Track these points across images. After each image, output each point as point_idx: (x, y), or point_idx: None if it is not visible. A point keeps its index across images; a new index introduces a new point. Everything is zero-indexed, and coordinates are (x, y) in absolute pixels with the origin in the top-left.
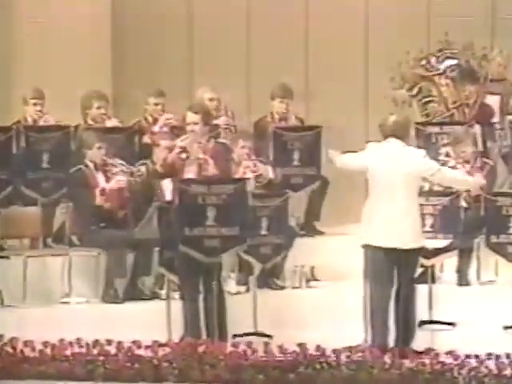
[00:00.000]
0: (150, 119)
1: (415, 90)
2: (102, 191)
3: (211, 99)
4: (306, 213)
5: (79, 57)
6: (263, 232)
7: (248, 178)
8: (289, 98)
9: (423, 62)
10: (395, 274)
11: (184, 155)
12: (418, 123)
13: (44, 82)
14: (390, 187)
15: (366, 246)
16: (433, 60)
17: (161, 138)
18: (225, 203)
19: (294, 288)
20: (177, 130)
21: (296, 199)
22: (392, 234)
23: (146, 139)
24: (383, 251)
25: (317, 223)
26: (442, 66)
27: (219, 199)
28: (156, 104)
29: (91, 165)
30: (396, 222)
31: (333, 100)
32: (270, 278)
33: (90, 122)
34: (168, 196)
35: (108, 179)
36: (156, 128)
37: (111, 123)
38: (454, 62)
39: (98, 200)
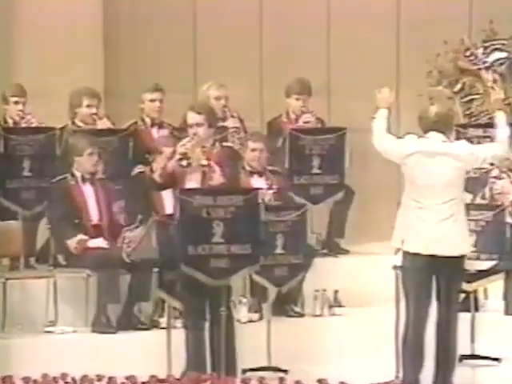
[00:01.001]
0: (148, 120)
1: (458, 87)
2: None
3: (218, 97)
4: (327, 228)
5: (70, 51)
6: (278, 251)
7: (260, 188)
8: (307, 95)
9: (467, 54)
10: (434, 288)
11: (185, 162)
12: (458, 125)
13: (31, 79)
14: (431, 184)
15: (402, 253)
16: (479, 52)
17: (163, 143)
18: (234, 217)
19: (314, 316)
20: (178, 133)
21: (316, 212)
22: (432, 238)
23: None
24: (421, 259)
25: (340, 240)
26: (490, 59)
27: (227, 212)
28: (152, 100)
29: (78, 174)
30: (437, 224)
31: (358, 97)
32: (287, 304)
33: (78, 123)
34: (168, 209)
35: (98, 195)
36: (154, 132)
37: (102, 124)
38: (504, 54)
39: (86, 217)
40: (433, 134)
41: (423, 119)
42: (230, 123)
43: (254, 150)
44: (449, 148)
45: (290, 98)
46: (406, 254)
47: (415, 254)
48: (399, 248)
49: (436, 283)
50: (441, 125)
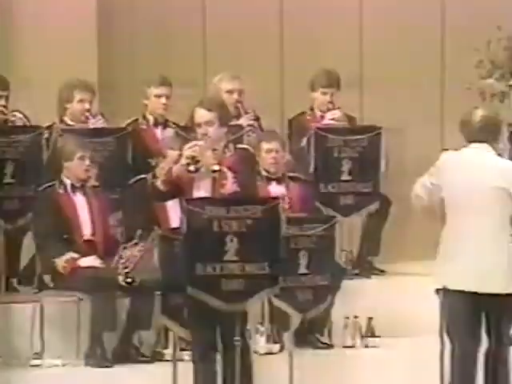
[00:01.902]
0: (151, 119)
1: None
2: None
3: (230, 91)
4: (359, 245)
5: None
6: (302, 270)
7: (283, 197)
8: (335, 89)
9: None
10: (482, 328)
11: (193, 167)
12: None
13: (23, 72)
14: (474, 210)
15: (443, 290)
16: None
17: (167, 145)
18: (250, 231)
19: (344, 347)
20: (185, 133)
21: (346, 226)
22: (476, 273)
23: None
24: (465, 297)
25: (375, 259)
26: None
27: (242, 226)
28: (158, 96)
29: (68, 182)
30: (482, 256)
31: (395, 92)
32: (312, 334)
33: (68, 120)
34: (173, 222)
35: (91, 206)
36: (158, 132)
37: (96, 123)
38: None
39: (77, 232)
40: (477, 146)
41: (466, 125)
42: (245, 121)
43: (269, 150)
44: (495, 163)
45: (316, 91)
46: (445, 290)
47: (455, 292)
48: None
49: (485, 318)
50: (486, 133)
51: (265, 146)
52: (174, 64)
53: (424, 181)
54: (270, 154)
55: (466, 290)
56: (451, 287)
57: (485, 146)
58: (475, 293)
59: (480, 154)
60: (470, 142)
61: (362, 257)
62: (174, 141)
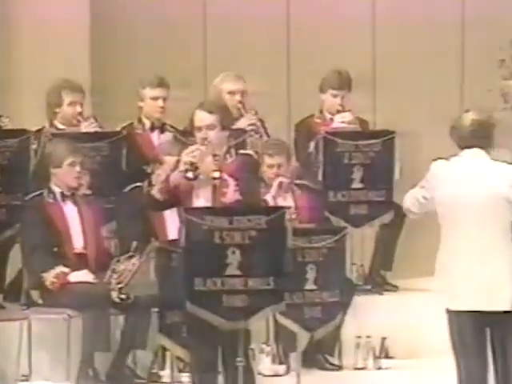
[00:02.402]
0: (147, 122)
1: None
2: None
3: (233, 92)
4: (372, 258)
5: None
6: (310, 286)
7: (288, 207)
8: (346, 90)
9: None
10: (488, 348)
11: (192, 174)
12: None
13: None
14: (472, 222)
15: (446, 310)
16: None
17: (165, 150)
18: (253, 243)
19: (355, 369)
20: (183, 138)
21: (358, 238)
22: (476, 290)
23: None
24: (467, 316)
25: (388, 274)
26: None
27: (245, 238)
28: (154, 98)
29: (57, 190)
30: (483, 271)
31: (410, 93)
32: (321, 354)
33: (58, 124)
34: (171, 233)
35: (83, 216)
36: (155, 137)
37: (88, 127)
38: None
39: (67, 244)
40: (470, 152)
41: (456, 130)
42: (246, 121)
43: (271, 166)
44: (491, 169)
45: (325, 93)
46: (448, 310)
47: (458, 312)
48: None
49: (490, 337)
50: (479, 138)
51: (267, 160)
52: (172, 64)
53: (415, 194)
54: (271, 170)
55: (468, 309)
56: (452, 308)
57: (478, 151)
58: (478, 311)
59: (474, 160)
60: (462, 148)
61: (375, 271)
62: (171, 146)
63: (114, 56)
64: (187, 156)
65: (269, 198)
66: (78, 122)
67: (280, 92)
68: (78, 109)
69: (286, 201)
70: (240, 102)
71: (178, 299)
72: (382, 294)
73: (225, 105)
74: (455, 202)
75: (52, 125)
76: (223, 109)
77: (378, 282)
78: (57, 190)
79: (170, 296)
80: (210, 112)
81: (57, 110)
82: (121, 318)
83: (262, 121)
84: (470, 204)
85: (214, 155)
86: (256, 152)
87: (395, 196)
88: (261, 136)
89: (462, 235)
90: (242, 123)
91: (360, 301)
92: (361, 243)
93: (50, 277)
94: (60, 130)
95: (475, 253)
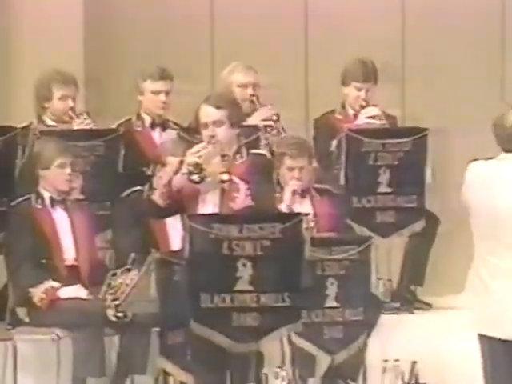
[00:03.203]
0: (148, 119)
1: None
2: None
3: (244, 85)
4: (401, 272)
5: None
6: (330, 303)
7: (306, 214)
8: (372, 83)
9: None
10: None
11: (197, 177)
12: None
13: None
14: (508, 237)
15: (478, 334)
16: None
17: (167, 150)
18: (267, 255)
19: None
20: (188, 136)
21: (385, 249)
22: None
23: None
24: (500, 343)
25: (419, 290)
26: None
27: (257, 248)
28: (156, 92)
29: (46, 195)
30: None
31: (444, 86)
32: (343, 380)
33: (48, 121)
34: (174, 243)
35: (74, 223)
36: (156, 135)
37: (81, 123)
38: None
39: (57, 255)
40: (509, 156)
41: (499, 129)
42: (259, 116)
43: (291, 169)
44: None
45: (348, 86)
46: (480, 335)
47: (491, 338)
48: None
49: None
50: None
51: (288, 162)
52: (175, 53)
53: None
54: (291, 173)
55: (500, 337)
56: (483, 333)
57: None
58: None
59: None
60: (505, 150)
61: (404, 287)
62: (174, 145)
63: (111, 45)
64: (192, 156)
65: (283, 207)
66: (70, 118)
67: (297, 85)
68: (70, 103)
69: (304, 207)
70: (252, 95)
71: (181, 317)
72: (412, 313)
73: (234, 99)
74: (492, 211)
75: (41, 121)
76: (232, 103)
77: (407, 298)
78: (46, 194)
79: (172, 314)
80: (218, 107)
81: (46, 105)
82: (117, 339)
83: (277, 116)
84: (509, 215)
85: (223, 155)
86: (271, 152)
87: (427, 202)
88: (278, 132)
89: (497, 250)
90: (255, 118)
91: (387, 320)
92: (388, 255)
93: (37, 292)
94: (50, 126)
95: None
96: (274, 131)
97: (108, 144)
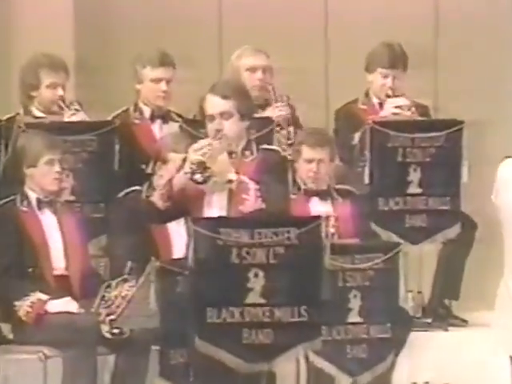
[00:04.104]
0: (147, 110)
1: None
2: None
3: (253, 68)
4: (433, 284)
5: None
6: (353, 318)
7: (326, 217)
8: (400, 69)
9: None
10: None
11: (201, 176)
12: None
13: None
14: None
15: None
16: None
17: (168, 145)
18: (281, 264)
19: None
20: (192, 129)
21: (415, 258)
22: None
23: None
24: None
25: (454, 304)
26: None
27: (270, 256)
28: (155, 80)
29: (33, 196)
30: None
31: (481, 73)
32: None
33: (35, 111)
34: (176, 251)
35: (64, 228)
36: (156, 128)
37: (73, 115)
38: None
39: (45, 264)
40: None
41: None
42: (275, 111)
43: (310, 160)
44: None
45: (374, 72)
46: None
47: None
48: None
49: None
50: None
51: (306, 152)
52: (177, 36)
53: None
54: (310, 165)
55: None
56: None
57: None
58: None
59: None
60: None
61: (437, 300)
62: (177, 139)
63: (105, 26)
64: (195, 153)
65: None
66: (60, 108)
67: (316, 72)
68: (60, 92)
69: (324, 210)
70: (261, 80)
71: (184, 334)
72: (446, 330)
73: (244, 87)
74: None
75: (27, 112)
76: (242, 92)
77: (440, 314)
78: (32, 195)
79: (174, 330)
80: (225, 97)
81: (33, 94)
82: (111, 358)
83: (292, 108)
84: None
85: (230, 152)
86: (290, 144)
87: (463, 204)
88: (288, 136)
89: None
90: (269, 113)
91: (417, 338)
92: (419, 264)
93: (23, 306)
94: (37, 118)
95: None
96: (284, 132)
97: (102, 138)
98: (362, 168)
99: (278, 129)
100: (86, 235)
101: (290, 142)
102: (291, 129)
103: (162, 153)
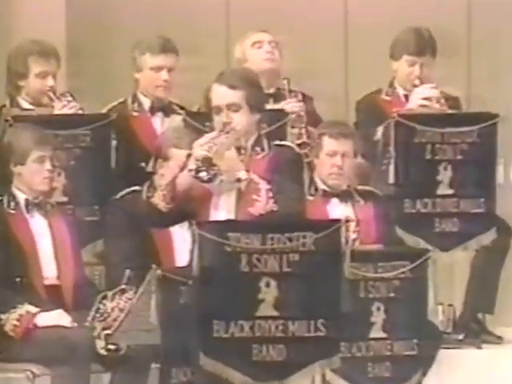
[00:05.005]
0: (147, 102)
1: None
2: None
3: (260, 42)
4: (466, 295)
5: None
6: (376, 333)
7: (346, 221)
8: (429, 56)
9: None
10: None
11: (206, 175)
12: None
13: None
14: None
15: None
16: None
17: (170, 141)
18: (296, 272)
19: None
20: (196, 123)
21: (445, 266)
22: None
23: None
24: None
25: (488, 318)
26: None
27: (284, 263)
28: (156, 68)
29: (21, 197)
30: None
31: None
32: None
33: (23, 103)
34: (179, 258)
35: (56, 233)
36: (157, 121)
37: (64, 107)
38: None
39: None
40: None
41: None
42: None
43: (333, 153)
44: None
45: (399, 60)
46: None
47: None
48: None
49: None
50: None
51: (328, 144)
52: (181, 22)
53: None
54: (333, 159)
55: None
56: None
57: None
58: None
59: None
60: None
61: (469, 314)
62: (179, 134)
63: (99, 9)
64: (200, 149)
65: None
66: (50, 99)
67: (334, 59)
68: (50, 82)
69: (343, 212)
70: (269, 53)
71: (188, 350)
72: (479, 348)
73: (254, 76)
74: None
75: (14, 103)
76: (252, 82)
77: (473, 329)
78: (20, 196)
79: (176, 346)
80: (233, 86)
81: (21, 83)
82: (106, 377)
83: (306, 98)
84: None
85: (239, 148)
86: (302, 144)
87: (498, 207)
88: (299, 133)
89: None
90: (286, 105)
91: (448, 355)
92: (449, 274)
93: (10, 319)
94: (25, 110)
95: None
96: (295, 130)
97: (97, 133)
98: (385, 166)
99: (296, 123)
100: (80, 240)
101: (300, 141)
102: (303, 127)
103: (163, 149)
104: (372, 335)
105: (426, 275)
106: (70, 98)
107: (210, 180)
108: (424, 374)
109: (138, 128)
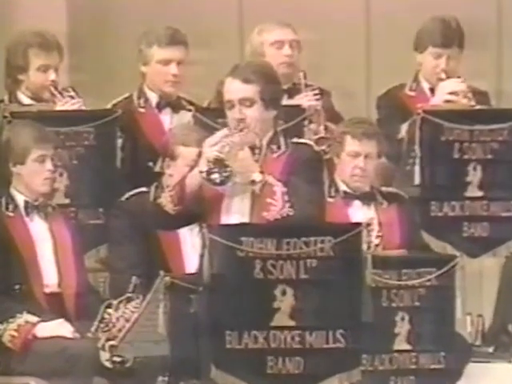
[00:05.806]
0: (154, 97)
1: None
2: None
3: (279, 42)
4: (496, 305)
5: None
6: (400, 345)
7: (367, 225)
8: (456, 48)
9: None
10: None
11: (217, 176)
12: None
13: None
14: None
15: None
16: None
17: (179, 139)
18: (313, 279)
19: None
20: (207, 119)
21: (475, 273)
22: None
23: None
24: None
25: None
26: None
27: (301, 270)
28: (163, 62)
29: (20, 199)
30: None
31: None
32: None
33: (23, 98)
34: (189, 264)
35: (57, 237)
36: (165, 118)
37: (66, 103)
38: None
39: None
40: None
41: None
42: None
43: (355, 154)
44: None
45: (424, 52)
46: None
47: None
48: None
49: None
50: None
51: (351, 144)
52: (190, 11)
53: None
54: (355, 160)
55: None
56: None
57: None
58: None
59: None
60: None
61: (500, 326)
62: (186, 130)
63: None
64: (212, 148)
65: None
66: (52, 94)
67: (354, 51)
68: (52, 76)
69: (365, 216)
70: (288, 57)
71: (198, 363)
72: (510, 362)
73: (270, 70)
74: None
75: (13, 99)
76: (267, 75)
77: (504, 341)
78: (19, 197)
79: (186, 358)
80: (247, 80)
81: (20, 77)
82: None
83: (324, 94)
84: None
85: (253, 147)
86: (320, 139)
87: None
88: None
89: None
90: (303, 101)
91: (477, 369)
92: (479, 282)
93: (8, 330)
94: (25, 106)
95: None
96: (312, 126)
97: (101, 130)
98: (410, 166)
99: (313, 118)
100: (83, 245)
101: (317, 136)
102: (321, 122)
103: (170, 146)
104: (396, 347)
105: (454, 283)
106: (72, 94)
107: (222, 183)
108: None
109: (145, 125)
